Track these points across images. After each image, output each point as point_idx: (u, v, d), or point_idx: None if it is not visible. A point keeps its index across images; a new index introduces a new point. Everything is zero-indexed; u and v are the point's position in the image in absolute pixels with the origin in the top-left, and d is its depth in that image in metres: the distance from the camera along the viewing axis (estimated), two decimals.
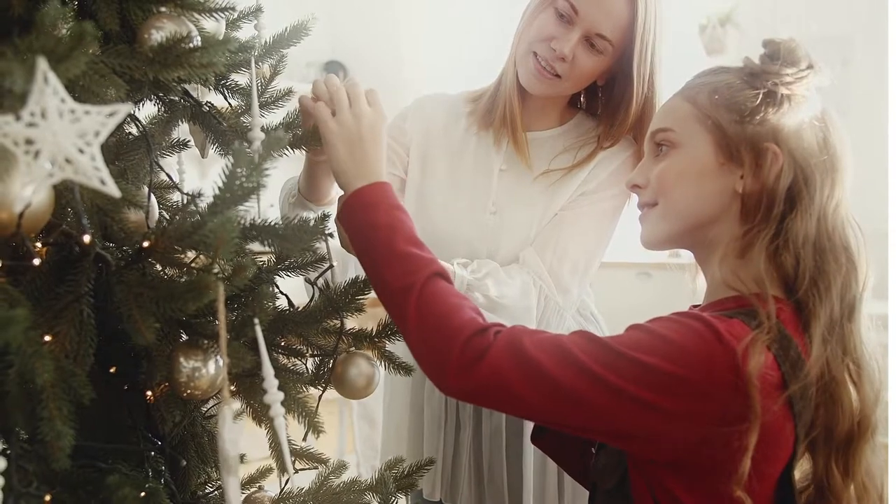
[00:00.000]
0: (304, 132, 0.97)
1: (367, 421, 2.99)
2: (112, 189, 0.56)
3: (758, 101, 0.90)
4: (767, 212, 0.89)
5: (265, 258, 0.94)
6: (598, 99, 1.37)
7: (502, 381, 0.82)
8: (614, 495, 0.92)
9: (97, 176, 0.56)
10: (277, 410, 0.70)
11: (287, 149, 0.90)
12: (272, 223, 0.76)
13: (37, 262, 0.67)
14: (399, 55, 4.80)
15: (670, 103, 0.99)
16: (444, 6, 4.70)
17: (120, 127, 0.86)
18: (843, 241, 0.89)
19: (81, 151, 0.55)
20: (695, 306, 0.99)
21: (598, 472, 0.96)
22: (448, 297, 0.88)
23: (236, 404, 1.01)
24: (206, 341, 0.76)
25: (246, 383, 0.87)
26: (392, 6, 4.85)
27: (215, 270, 0.66)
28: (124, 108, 0.56)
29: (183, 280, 0.68)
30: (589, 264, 1.33)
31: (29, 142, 0.54)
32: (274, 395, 0.70)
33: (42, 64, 0.54)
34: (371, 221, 0.91)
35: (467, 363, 0.82)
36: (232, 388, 0.94)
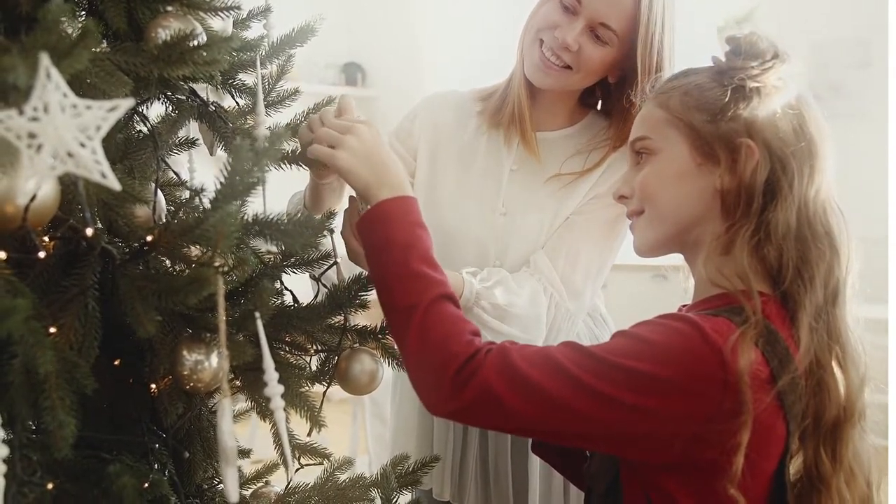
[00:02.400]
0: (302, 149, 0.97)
1: (379, 420, 3.00)
2: (112, 182, 0.57)
3: (727, 98, 0.90)
4: (747, 207, 0.89)
5: (272, 255, 0.95)
6: (612, 98, 1.36)
7: (492, 396, 0.82)
8: (606, 499, 0.92)
9: (98, 169, 0.57)
10: (277, 403, 0.71)
11: (286, 164, 0.91)
12: (274, 218, 0.77)
13: (42, 254, 0.68)
14: (417, 57, 4.83)
15: (644, 111, 1.00)
16: (461, 8, 4.72)
17: (128, 125, 0.87)
18: (824, 227, 0.89)
19: (83, 145, 0.56)
20: (683, 306, 0.99)
21: (591, 477, 0.96)
22: (449, 321, 0.87)
23: (242, 402, 1.03)
24: (208, 335, 0.77)
25: (250, 378, 0.88)
26: (410, 9, 4.88)
27: (216, 264, 0.67)
28: (125, 104, 0.57)
29: (183, 274, 0.69)
30: (601, 269, 1.33)
31: (31, 136, 0.55)
32: (274, 388, 0.71)
33: (44, 60, 0.55)
34: (388, 237, 0.90)
35: (459, 386, 0.83)
36: (237, 382, 0.95)
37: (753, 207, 0.89)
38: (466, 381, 0.83)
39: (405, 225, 0.92)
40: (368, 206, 0.94)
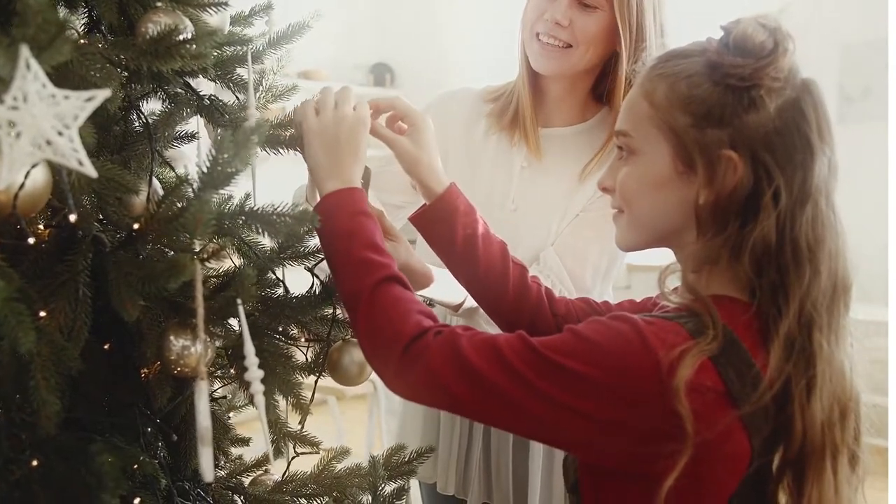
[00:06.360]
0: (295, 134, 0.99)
1: (395, 416, 3.03)
2: (89, 170, 0.59)
3: (715, 98, 0.82)
4: (722, 225, 0.82)
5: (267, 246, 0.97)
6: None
7: (438, 380, 0.81)
8: (572, 494, 0.91)
9: (75, 157, 0.59)
10: (256, 388, 0.73)
11: (282, 148, 0.93)
12: (259, 208, 0.79)
13: (31, 240, 0.71)
14: (444, 58, 4.85)
15: (631, 98, 0.91)
16: (488, 9, 4.73)
17: (126, 118, 0.90)
18: (810, 244, 0.81)
19: (60, 134, 0.59)
20: (649, 298, 0.98)
21: (565, 470, 0.95)
22: (395, 302, 0.86)
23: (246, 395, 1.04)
24: (195, 321, 0.79)
25: (243, 366, 0.90)
26: (438, 10, 4.90)
27: (196, 251, 0.69)
28: (101, 94, 0.59)
29: (163, 260, 0.71)
30: (610, 266, 1.33)
31: (11, 124, 0.58)
32: (253, 373, 0.73)
33: (24, 51, 0.57)
34: (333, 227, 0.90)
35: (406, 366, 0.83)
36: (232, 370, 0.97)
37: (730, 226, 0.81)
38: (413, 362, 0.82)
39: (348, 214, 0.91)
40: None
